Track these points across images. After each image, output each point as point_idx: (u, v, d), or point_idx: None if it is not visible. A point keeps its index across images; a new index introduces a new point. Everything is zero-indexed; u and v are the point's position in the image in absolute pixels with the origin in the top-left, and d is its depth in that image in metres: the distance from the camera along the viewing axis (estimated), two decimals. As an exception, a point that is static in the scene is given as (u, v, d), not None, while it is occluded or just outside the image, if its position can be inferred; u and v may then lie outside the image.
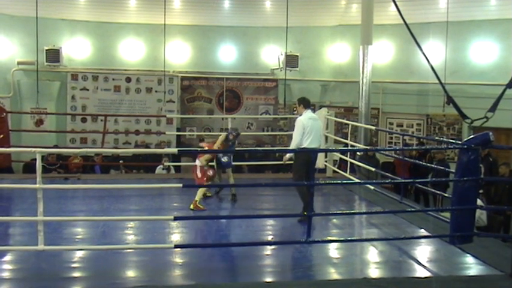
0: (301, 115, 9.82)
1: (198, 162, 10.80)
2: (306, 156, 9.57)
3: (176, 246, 7.40)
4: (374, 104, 16.38)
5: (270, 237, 8.74)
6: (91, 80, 18.24)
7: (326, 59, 19.20)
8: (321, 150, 12.87)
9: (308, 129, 9.54)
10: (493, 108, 7.05)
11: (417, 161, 13.41)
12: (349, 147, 13.43)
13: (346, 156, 13.36)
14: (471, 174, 7.04)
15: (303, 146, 9.56)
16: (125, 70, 18.53)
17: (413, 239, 8.50)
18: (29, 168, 14.88)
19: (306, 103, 9.93)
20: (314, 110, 16.86)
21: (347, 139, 13.47)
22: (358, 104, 14.58)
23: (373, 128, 15.00)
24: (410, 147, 17.57)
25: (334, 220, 9.51)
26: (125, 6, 17.97)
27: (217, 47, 18.93)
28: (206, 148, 11.84)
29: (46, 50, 17.43)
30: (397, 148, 16.29)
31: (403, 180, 10.67)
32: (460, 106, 7.48)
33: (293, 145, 9.66)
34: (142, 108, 18.42)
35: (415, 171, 15.21)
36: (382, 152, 15.69)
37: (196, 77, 18.81)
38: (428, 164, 13.10)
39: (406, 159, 12.80)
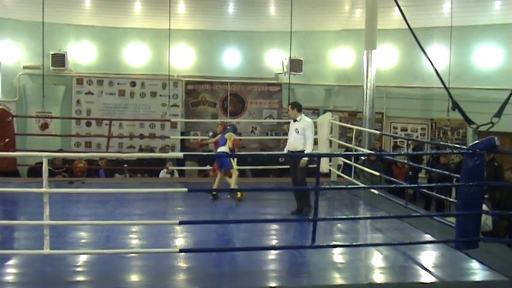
0: (295, 119, 10.51)
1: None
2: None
3: (181, 251, 7.40)
4: (378, 108, 16.39)
5: (274, 242, 8.74)
6: (96, 84, 18.30)
7: (330, 63, 19.21)
8: (326, 155, 12.93)
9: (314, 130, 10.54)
10: (498, 114, 7.07)
11: (421, 166, 13.42)
12: (354, 152, 13.44)
13: (350, 160, 13.39)
14: (476, 179, 7.04)
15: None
16: (130, 74, 18.58)
17: (419, 244, 8.48)
18: (34, 172, 14.91)
19: (299, 107, 10.67)
20: (318, 114, 17.08)
21: (351, 143, 13.47)
22: (362, 108, 14.60)
23: (378, 132, 15.00)
24: (415, 152, 17.52)
25: (339, 225, 9.51)
26: (130, 11, 18.02)
27: (222, 52, 18.96)
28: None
29: (52, 54, 17.49)
30: (402, 153, 16.25)
31: (408, 185, 10.65)
32: (464, 111, 7.49)
33: (311, 148, 10.30)
34: (146, 112, 18.47)
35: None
36: (386, 156, 15.65)
37: (200, 82, 18.85)
38: (429, 168, 13.11)
39: (411, 163, 12.76)
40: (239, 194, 11.27)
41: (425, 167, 14.05)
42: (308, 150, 10.21)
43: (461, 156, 14.26)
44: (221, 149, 11.56)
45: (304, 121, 10.40)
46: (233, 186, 11.18)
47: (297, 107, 10.61)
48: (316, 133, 13.37)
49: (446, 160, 14.59)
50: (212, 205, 10.99)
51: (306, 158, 10.21)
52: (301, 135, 10.28)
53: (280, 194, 11.60)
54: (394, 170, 15.19)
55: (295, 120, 10.47)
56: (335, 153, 13.39)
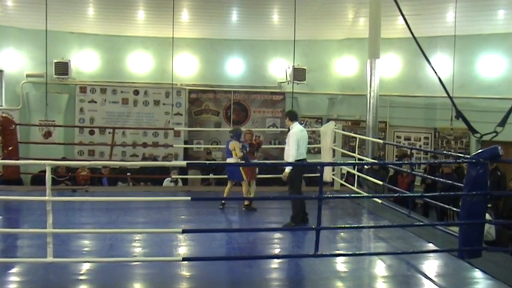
0: (289, 128, 10.30)
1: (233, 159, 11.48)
2: (303, 168, 10.24)
3: (184, 259, 7.40)
4: (381, 117, 16.36)
5: (277, 251, 8.74)
6: (99, 92, 18.33)
7: (333, 72, 19.21)
8: (329, 164, 12.92)
9: (301, 142, 10.10)
10: (502, 123, 7.07)
11: (425, 175, 13.42)
12: (357, 161, 13.43)
13: (354, 169, 13.38)
14: (480, 189, 7.03)
15: (299, 159, 10.03)
16: (133, 83, 18.59)
17: (422, 253, 8.48)
18: (37, 180, 14.92)
19: (293, 116, 10.48)
20: (321, 122, 17.04)
21: (354, 152, 13.46)
22: (365, 117, 14.58)
23: (381, 141, 14.97)
24: (419, 162, 17.53)
25: (342, 234, 9.50)
26: (133, 19, 18.06)
27: (225, 60, 18.98)
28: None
29: (55, 62, 17.50)
30: (406, 162, 16.21)
31: (411, 194, 10.63)
32: (468, 120, 7.49)
33: (290, 158, 10.04)
34: (150, 120, 18.48)
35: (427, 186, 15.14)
36: (389, 165, 15.64)
37: (203, 90, 18.87)
38: (433, 177, 13.09)
39: (414, 173, 12.74)
40: (247, 202, 11.31)
41: (429, 176, 14.01)
42: (288, 161, 10.13)
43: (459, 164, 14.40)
44: (229, 161, 11.71)
45: (290, 131, 10.25)
46: (246, 195, 11.41)
47: (289, 116, 10.52)
48: (319, 142, 13.42)
49: (449, 170, 14.58)
50: (215, 214, 10.99)
51: (286, 171, 10.09)
52: (288, 146, 10.19)
53: (283, 203, 11.59)
54: (399, 179, 15.19)
55: (289, 130, 10.40)
56: (338, 162, 13.37)
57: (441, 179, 11.07)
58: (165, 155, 18.16)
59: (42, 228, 6.80)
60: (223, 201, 11.55)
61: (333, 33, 18.77)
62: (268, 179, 14.86)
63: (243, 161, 11.64)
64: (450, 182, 9.66)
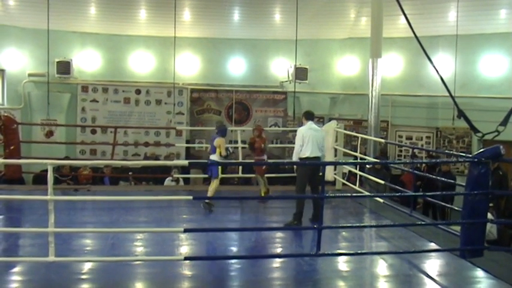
0: None
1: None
2: (309, 166, 10.30)
3: (186, 259, 7.40)
4: (383, 116, 16.34)
5: (279, 250, 8.73)
6: (101, 91, 18.33)
7: (335, 71, 19.20)
8: (330, 163, 12.91)
9: (307, 138, 10.17)
10: (504, 122, 7.06)
11: (426, 174, 13.40)
12: (359, 160, 13.43)
13: (355, 169, 13.38)
14: (481, 188, 7.03)
15: (305, 156, 10.12)
16: (135, 82, 18.60)
17: (423, 252, 8.47)
18: (38, 179, 14.94)
19: (308, 115, 10.71)
20: (323, 122, 16.99)
21: (356, 152, 13.46)
22: (367, 116, 14.56)
23: (383, 140, 14.96)
24: (419, 161, 17.50)
25: (344, 233, 9.50)
26: (135, 18, 18.06)
27: (227, 60, 18.98)
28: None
29: (57, 62, 17.52)
30: (407, 161, 16.24)
31: (413, 193, 10.62)
32: (470, 119, 7.49)
33: (294, 155, 10.28)
34: (151, 120, 18.49)
35: (424, 185, 15.13)
36: (391, 165, 15.62)
37: (205, 89, 18.87)
38: (432, 176, 13.07)
39: (416, 172, 12.73)
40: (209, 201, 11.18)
41: (427, 175, 14.00)
42: (293, 157, 10.35)
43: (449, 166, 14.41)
44: (212, 157, 11.48)
45: (298, 128, 10.53)
46: (209, 194, 11.18)
47: (305, 115, 10.76)
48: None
49: (447, 168, 14.57)
50: (217, 213, 10.98)
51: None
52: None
53: (285, 202, 11.58)
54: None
55: None
56: (340, 161, 13.36)
57: (437, 177, 11.09)
58: (167, 154, 18.15)
59: (44, 227, 6.80)
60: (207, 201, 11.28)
61: (335, 32, 18.77)
62: (270, 178, 14.89)
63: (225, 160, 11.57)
64: (445, 179, 9.67)
